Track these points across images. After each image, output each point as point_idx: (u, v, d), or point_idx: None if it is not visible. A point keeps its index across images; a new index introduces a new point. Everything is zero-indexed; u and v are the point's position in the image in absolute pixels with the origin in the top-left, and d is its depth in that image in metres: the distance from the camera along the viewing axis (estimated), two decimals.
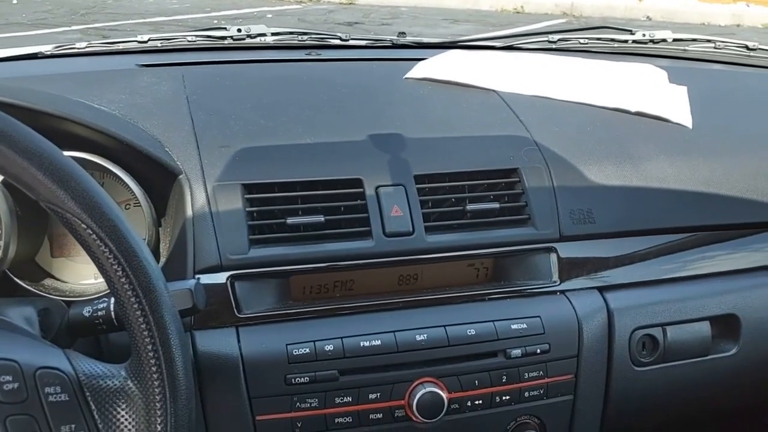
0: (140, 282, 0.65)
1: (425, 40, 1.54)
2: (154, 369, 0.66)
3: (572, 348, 0.99)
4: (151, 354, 0.66)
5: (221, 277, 0.92)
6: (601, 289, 1.04)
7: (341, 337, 0.92)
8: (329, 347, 0.91)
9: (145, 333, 0.66)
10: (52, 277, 1.03)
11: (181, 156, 0.98)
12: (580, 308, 1.01)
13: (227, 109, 1.07)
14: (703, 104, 1.24)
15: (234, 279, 0.92)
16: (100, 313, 0.79)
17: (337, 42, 1.49)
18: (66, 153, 0.67)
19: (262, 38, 1.45)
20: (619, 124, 1.18)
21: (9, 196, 0.94)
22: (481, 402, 0.96)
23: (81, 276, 1.04)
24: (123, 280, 0.65)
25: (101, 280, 0.92)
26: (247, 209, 0.94)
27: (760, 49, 1.54)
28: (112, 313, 0.78)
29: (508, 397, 0.97)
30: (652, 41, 1.55)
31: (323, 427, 0.91)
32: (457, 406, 0.95)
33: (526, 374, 0.97)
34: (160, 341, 0.66)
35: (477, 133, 1.10)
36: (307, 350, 0.90)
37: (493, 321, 0.97)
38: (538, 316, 0.98)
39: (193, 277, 0.91)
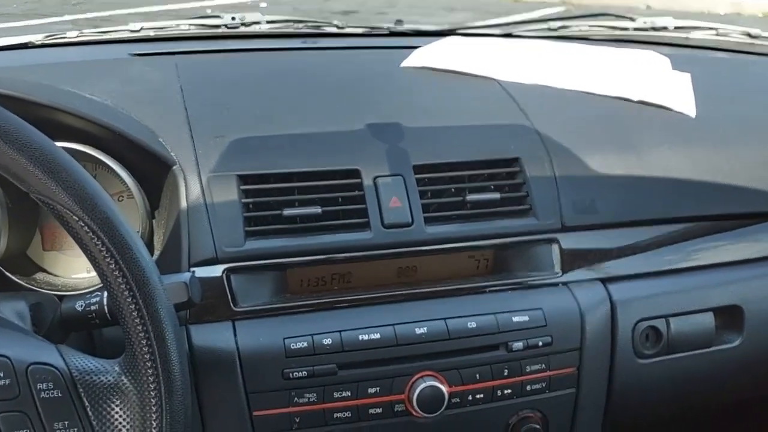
0: (134, 275, 0.64)
1: (423, 27, 1.51)
2: (148, 364, 0.65)
3: (575, 340, 0.98)
4: (145, 349, 0.64)
5: (217, 270, 0.90)
6: (604, 281, 1.02)
7: (339, 331, 0.90)
8: (327, 341, 0.89)
9: (139, 327, 0.64)
10: (44, 271, 1.01)
11: (175, 146, 0.96)
12: (583, 300, 0.99)
13: (222, 98, 1.05)
14: (706, 92, 1.22)
15: (230, 272, 0.90)
16: (93, 307, 0.77)
17: (334, 30, 1.46)
18: (58, 144, 0.65)
19: (257, 26, 1.42)
20: (622, 112, 1.15)
21: None
22: (482, 396, 0.95)
23: (74, 270, 1.02)
24: (116, 273, 0.64)
25: (94, 273, 0.90)
26: (243, 201, 0.92)
27: (762, 36, 1.52)
28: (106, 308, 0.76)
29: (509, 391, 0.95)
30: (653, 28, 1.53)
31: (322, 422, 0.90)
32: (458, 400, 0.93)
33: (528, 367, 0.96)
34: (155, 336, 0.64)
35: (477, 122, 1.08)
36: (305, 344, 0.88)
37: (494, 313, 0.95)
38: (540, 309, 0.97)
39: (188, 270, 0.89)
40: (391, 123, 1.03)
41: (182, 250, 0.91)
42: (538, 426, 0.97)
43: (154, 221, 1.02)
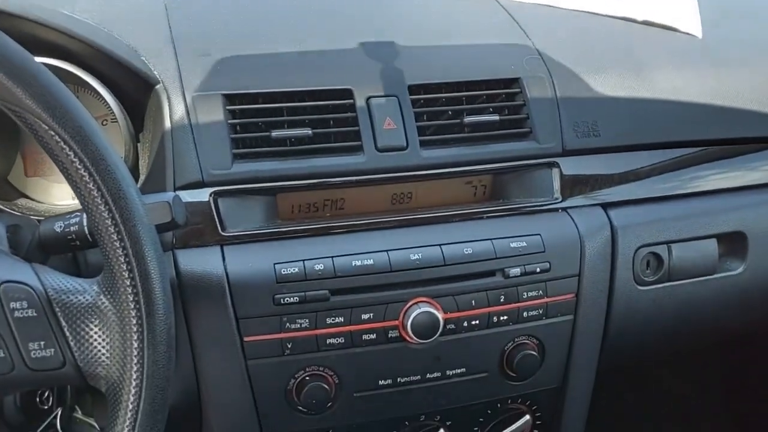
0: (109, 188, 0.60)
1: None
2: (128, 282, 0.62)
3: (573, 267, 0.95)
4: (124, 266, 0.61)
5: (203, 194, 0.87)
6: (605, 206, 0.99)
7: (332, 257, 0.87)
8: (319, 266, 0.86)
9: (117, 244, 0.61)
10: (27, 197, 0.98)
11: (159, 65, 0.91)
12: (583, 226, 0.96)
13: (208, 15, 1.00)
14: (713, 12, 1.17)
15: (217, 196, 0.87)
16: (72, 228, 0.74)
17: None
18: (37, 59, 0.61)
19: None
20: (626, 32, 1.11)
21: None
22: (477, 322, 0.92)
23: (57, 196, 0.99)
24: (91, 186, 0.60)
25: None
26: (230, 122, 0.88)
27: None
28: (86, 228, 0.73)
29: (506, 318, 0.93)
30: None
31: (314, 347, 0.88)
32: (452, 326, 0.91)
33: (525, 294, 0.93)
34: (134, 252, 0.61)
35: (475, 41, 1.03)
36: (296, 269, 0.86)
37: (491, 239, 0.92)
38: (539, 234, 0.94)
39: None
40: (385, 41, 0.98)
41: (167, 173, 0.87)
42: (534, 353, 0.95)
43: (139, 145, 0.98)
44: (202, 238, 0.86)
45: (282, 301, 0.85)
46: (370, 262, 0.88)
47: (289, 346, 0.87)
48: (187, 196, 0.86)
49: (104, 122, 0.99)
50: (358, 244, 0.90)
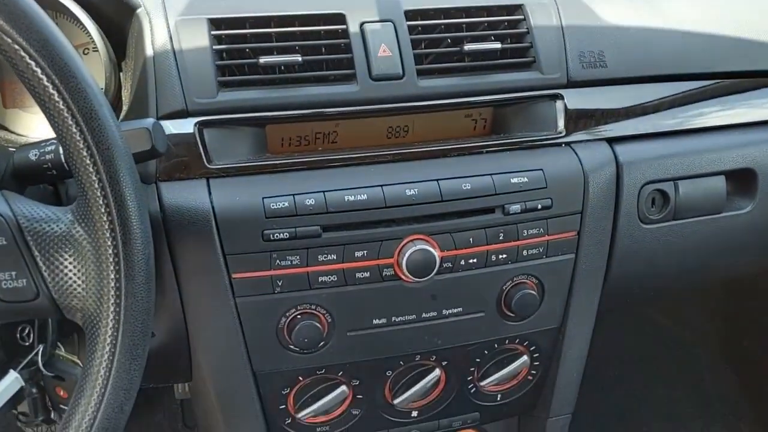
0: (80, 107, 0.56)
1: None
2: (103, 210, 0.58)
3: (576, 204, 0.91)
4: (98, 192, 0.58)
5: (188, 124, 0.82)
6: (610, 141, 0.95)
7: (323, 191, 0.83)
8: (310, 201, 0.83)
9: (90, 168, 0.57)
10: (4, 128, 0.94)
11: None
12: (587, 161, 0.92)
13: None
14: None
15: (202, 126, 0.82)
16: (48, 156, 0.70)
17: None
18: None
19: None
20: None
21: None
22: (475, 261, 0.89)
23: (37, 129, 0.95)
24: (61, 106, 0.56)
25: None
26: (215, 47, 0.83)
27: None
28: (62, 156, 0.69)
29: (504, 256, 0.90)
30: None
31: (306, 285, 0.84)
32: (449, 264, 0.88)
33: (525, 231, 0.90)
34: (108, 177, 0.57)
35: None
36: (286, 204, 0.82)
37: (491, 174, 0.88)
38: (541, 170, 0.90)
39: None
40: None
41: (149, 101, 0.83)
42: (533, 292, 0.92)
43: (121, 75, 0.94)
44: (187, 171, 0.82)
45: (271, 237, 0.82)
46: (364, 197, 0.84)
47: (280, 283, 0.84)
48: (171, 126, 0.82)
49: (85, 51, 0.95)
50: (352, 178, 0.86)
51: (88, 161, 0.57)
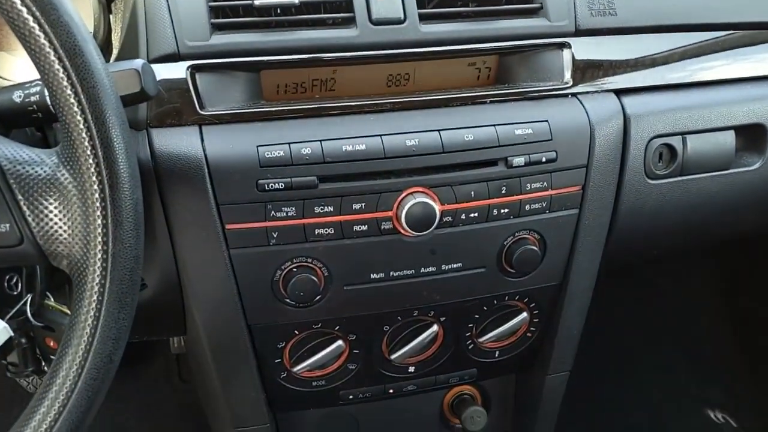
0: (63, 42, 0.52)
1: None
2: (89, 152, 0.55)
3: (582, 157, 0.89)
4: (83, 133, 0.55)
5: (180, 69, 0.79)
6: (618, 93, 0.92)
7: (320, 140, 0.80)
8: (306, 150, 0.80)
9: (75, 108, 0.54)
10: None
11: None
12: (594, 113, 0.89)
13: None
14: None
15: (195, 70, 0.79)
16: (33, 98, 0.66)
17: None
18: None
19: None
20: None
21: None
22: (476, 215, 0.87)
23: (25, 74, 0.91)
24: (42, 40, 0.52)
25: None
26: None
27: None
28: (47, 98, 0.66)
29: (506, 210, 0.88)
30: None
31: (302, 237, 0.82)
32: (450, 218, 0.86)
33: (529, 185, 0.87)
34: (94, 118, 0.54)
35: None
36: (281, 153, 0.79)
37: (494, 125, 0.85)
38: (546, 121, 0.87)
39: None
40: None
41: (140, 44, 0.79)
42: (534, 248, 0.90)
43: (111, 17, 0.90)
44: (179, 117, 0.79)
45: (266, 187, 0.79)
46: (362, 147, 0.81)
47: (275, 235, 0.81)
48: (163, 70, 0.78)
49: None
50: (350, 127, 0.83)
51: (72, 100, 0.54)
